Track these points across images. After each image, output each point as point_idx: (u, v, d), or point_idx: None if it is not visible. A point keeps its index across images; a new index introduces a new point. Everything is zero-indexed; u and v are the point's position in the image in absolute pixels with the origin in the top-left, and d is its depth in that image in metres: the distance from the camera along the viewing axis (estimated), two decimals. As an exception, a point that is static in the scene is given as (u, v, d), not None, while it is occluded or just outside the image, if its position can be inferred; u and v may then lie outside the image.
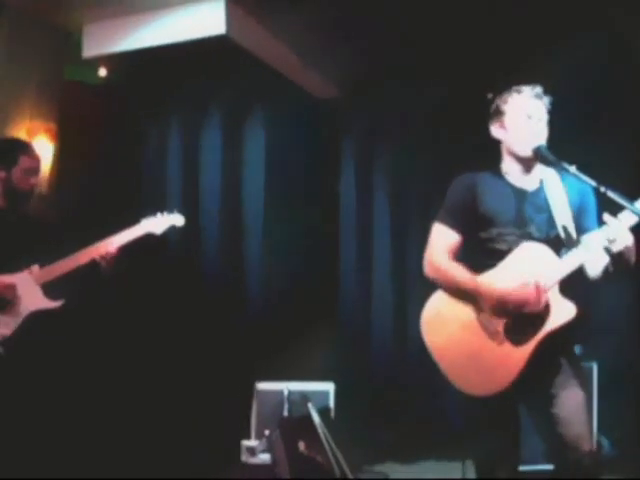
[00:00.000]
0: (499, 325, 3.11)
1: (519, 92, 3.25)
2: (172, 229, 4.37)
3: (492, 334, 3.12)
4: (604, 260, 3.04)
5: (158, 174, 6.60)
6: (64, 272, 3.99)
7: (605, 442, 5.72)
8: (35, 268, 3.97)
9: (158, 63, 6.08)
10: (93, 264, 4.03)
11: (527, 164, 3.24)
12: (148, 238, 4.27)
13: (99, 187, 6.14)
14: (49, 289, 3.99)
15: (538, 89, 3.25)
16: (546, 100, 3.25)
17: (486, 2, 5.37)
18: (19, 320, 3.90)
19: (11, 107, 5.66)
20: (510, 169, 3.29)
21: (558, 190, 3.24)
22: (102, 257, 4.02)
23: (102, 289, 4.37)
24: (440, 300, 3.29)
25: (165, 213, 4.33)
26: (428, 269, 3.30)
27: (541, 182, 3.27)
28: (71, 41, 6.08)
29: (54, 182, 5.84)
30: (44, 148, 5.70)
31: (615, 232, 2.93)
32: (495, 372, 3.09)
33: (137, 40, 5.86)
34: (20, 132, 5.64)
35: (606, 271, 3.09)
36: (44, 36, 5.87)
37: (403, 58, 6.19)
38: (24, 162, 4.07)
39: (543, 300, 3.05)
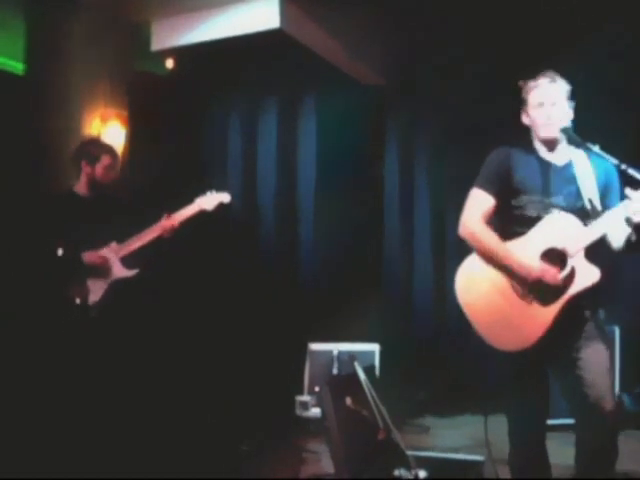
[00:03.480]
0: (528, 287, 3.27)
1: (535, 81, 3.40)
2: (232, 208, 4.85)
3: (522, 295, 3.27)
4: (626, 231, 3.19)
5: (219, 156, 6.87)
6: (138, 246, 4.65)
7: (626, 399, 6.01)
8: (114, 244, 4.64)
9: (219, 55, 6.36)
10: (160, 239, 4.67)
11: (550, 144, 3.40)
12: (212, 215, 4.80)
13: (165, 168, 6.32)
14: (125, 260, 4.65)
15: (551, 74, 3.38)
16: (561, 82, 3.38)
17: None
18: (105, 287, 4.60)
19: (87, 95, 5.97)
20: (539, 148, 3.44)
21: (586, 167, 3.38)
22: (166, 232, 4.66)
23: (169, 260, 4.97)
24: (473, 262, 3.43)
25: (214, 191, 4.84)
26: (463, 230, 3.42)
27: (570, 159, 3.41)
28: (141, 35, 6.36)
29: (124, 163, 5.98)
30: (116, 132, 6.03)
31: (637, 204, 3.06)
32: (523, 329, 3.24)
33: (200, 34, 6.18)
34: (95, 118, 5.97)
35: (628, 241, 3.23)
36: (116, 31, 6.17)
37: (443, 48, 6.40)
38: (105, 160, 4.73)
39: (558, 278, 3.19)
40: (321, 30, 6.37)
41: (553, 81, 3.38)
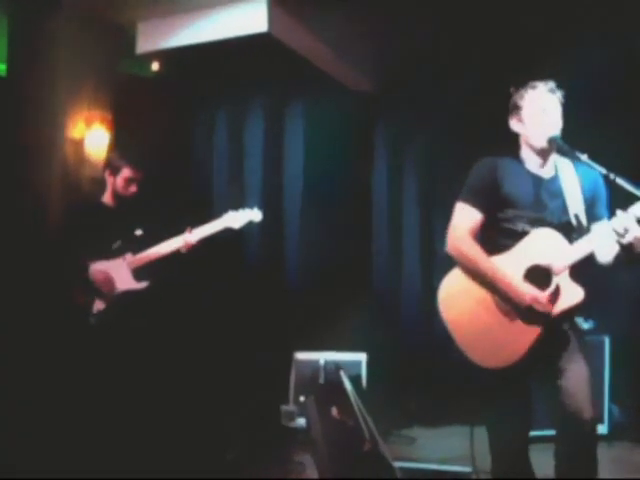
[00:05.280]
0: (512, 305, 3.23)
1: (534, 88, 3.35)
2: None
3: (505, 312, 3.24)
4: (614, 248, 3.15)
5: (205, 160, 6.86)
6: (151, 260, 4.68)
7: (615, 410, 5.93)
8: (129, 255, 4.68)
9: (206, 58, 6.31)
10: (175, 253, 4.71)
11: (543, 154, 3.34)
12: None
13: (150, 172, 6.26)
14: (137, 272, 4.70)
15: (551, 84, 3.35)
16: (559, 94, 3.35)
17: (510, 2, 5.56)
18: (113, 297, 4.62)
19: (71, 97, 5.92)
20: (527, 158, 3.39)
21: (572, 179, 3.34)
22: (183, 247, 4.69)
23: (179, 273, 5.00)
24: (457, 276, 3.38)
25: (246, 209, 4.85)
26: (451, 247, 3.37)
27: (556, 171, 3.37)
28: (126, 38, 6.28)
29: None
30: (100, 135, 5.98)
31: (625, 223, 3.02)
32: (505, 347, 3.21)
33: (186, 37, 6.11)
34: (79, 120, 5.91)
35: (617, 259, 3.20)
36: (101, 33, 6.10)
37: (432, 54, 6.37)
38: (125, 172, 4.77)
39: (549, 308, 3.17)
40: (310, 35, 6.33)
41: (552, 91, 3.35)
